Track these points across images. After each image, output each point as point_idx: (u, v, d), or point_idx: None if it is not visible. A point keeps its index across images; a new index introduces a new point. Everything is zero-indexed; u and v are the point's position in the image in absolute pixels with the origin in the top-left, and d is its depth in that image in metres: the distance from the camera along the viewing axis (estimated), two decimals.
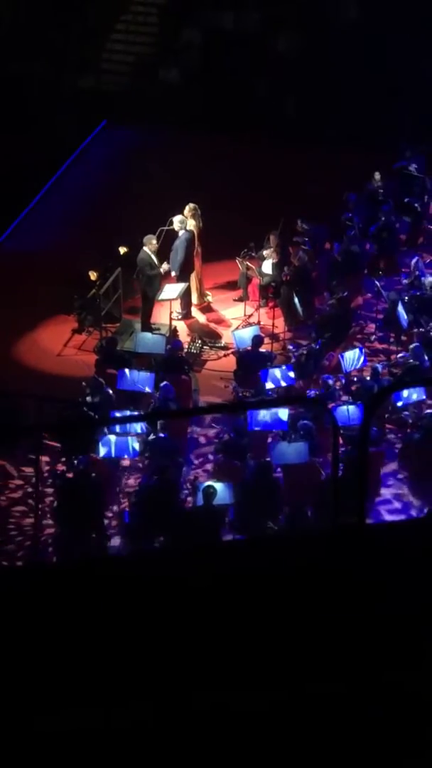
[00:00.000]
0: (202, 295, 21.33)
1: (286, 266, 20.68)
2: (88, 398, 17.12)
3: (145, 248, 20.10)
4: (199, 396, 18.82)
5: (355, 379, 18.16)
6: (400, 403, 17.38)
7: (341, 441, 15.45)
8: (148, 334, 19.47)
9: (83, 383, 17.59)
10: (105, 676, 5.52)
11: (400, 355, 19.08)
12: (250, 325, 20.20)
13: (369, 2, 28.41)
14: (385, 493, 16.68)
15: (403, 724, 5.38)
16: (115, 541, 15.56)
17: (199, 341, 20.05)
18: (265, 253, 20.99)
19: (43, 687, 5.49)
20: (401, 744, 5.31)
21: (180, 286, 20.30)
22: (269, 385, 17.62)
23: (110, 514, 16.05)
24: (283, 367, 18.11)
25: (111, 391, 17.28)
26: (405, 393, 17.19)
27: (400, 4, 27.75)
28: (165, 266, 20.22)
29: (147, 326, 20.09)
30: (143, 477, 16.17)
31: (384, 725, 5.33)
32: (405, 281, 20.88)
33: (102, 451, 15.97)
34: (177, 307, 20.55)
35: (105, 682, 5.50)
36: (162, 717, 5.35)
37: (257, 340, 18.69)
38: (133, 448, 16.05)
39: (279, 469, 16.23)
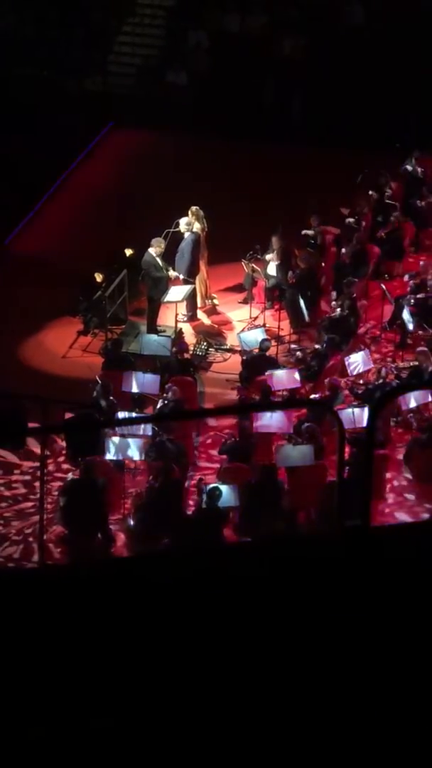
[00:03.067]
0: (207, 297, 21.32)
1: (291, 269, 20.66)
2: (94, 400, 17.11)
3: (151, 250, 20.10)
4: (205, 398, 18.80)
5: (361, 381, 18.13)
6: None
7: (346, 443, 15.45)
8: (154, 336, 19.45)
9: (89, 385, 17.58)
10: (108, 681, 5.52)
11: (405, 358, 19.06)
12: (255, 327, 20.19)
13: (374, 5, 28.44)
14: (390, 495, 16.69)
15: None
16: (120, 543, 15.55)
17: (205, 343, 20.04)
18: (267, 257, 20.98)
19: (42, 691, 5.49)
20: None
21: (185, 289, 20.30)
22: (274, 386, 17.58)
23: (115, 517, 16.04)
24: (289, 370, 18.08)
25: (115, 394, 17.27)
26: (411, 396, 17.15)
27: (406, 6, 27.79)
28: (172, 273, 20.23)
29: (152, 328, 20.09)
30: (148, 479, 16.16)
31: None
32: (411, 284, 20.85)
33: (107, 453, 15.96)
34: (182, 309, 20.55)
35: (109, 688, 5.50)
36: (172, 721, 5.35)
37: (265, 346, 18.62)
38: (139, 450, 16.02)
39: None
